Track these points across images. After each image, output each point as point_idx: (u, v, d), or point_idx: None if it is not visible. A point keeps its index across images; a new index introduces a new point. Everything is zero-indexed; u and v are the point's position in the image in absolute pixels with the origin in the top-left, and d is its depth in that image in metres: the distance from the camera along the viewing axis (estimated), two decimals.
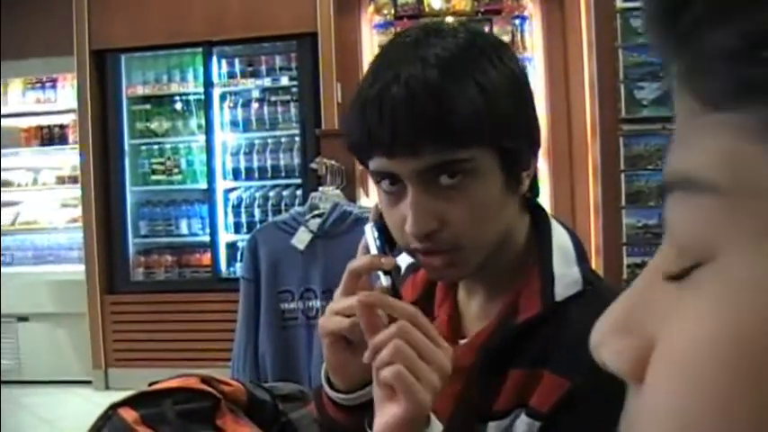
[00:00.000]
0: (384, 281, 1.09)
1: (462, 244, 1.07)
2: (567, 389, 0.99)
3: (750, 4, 0.33)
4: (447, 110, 1.01)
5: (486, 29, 6.06)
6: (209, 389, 1.28)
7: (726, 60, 0.34)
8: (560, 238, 1.16)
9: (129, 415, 1.23)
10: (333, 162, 3.79)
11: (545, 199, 5.93)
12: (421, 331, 1.00)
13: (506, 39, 6.04)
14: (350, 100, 1.13)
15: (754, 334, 0.31)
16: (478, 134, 1.03)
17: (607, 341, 0.39)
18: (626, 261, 4.47)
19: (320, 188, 3.22)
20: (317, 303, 2.92)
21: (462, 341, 1.17)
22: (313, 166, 3.81)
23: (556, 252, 1.13)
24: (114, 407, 1.24)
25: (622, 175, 4.47)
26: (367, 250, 1.14)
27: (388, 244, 1.15)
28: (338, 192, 3.23)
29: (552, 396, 1.00)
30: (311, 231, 2.92)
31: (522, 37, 6.11)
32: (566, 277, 1.09)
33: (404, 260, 1.32)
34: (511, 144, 1.06)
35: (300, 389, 1.43)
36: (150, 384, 1.34)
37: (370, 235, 1.14)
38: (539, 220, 1.18)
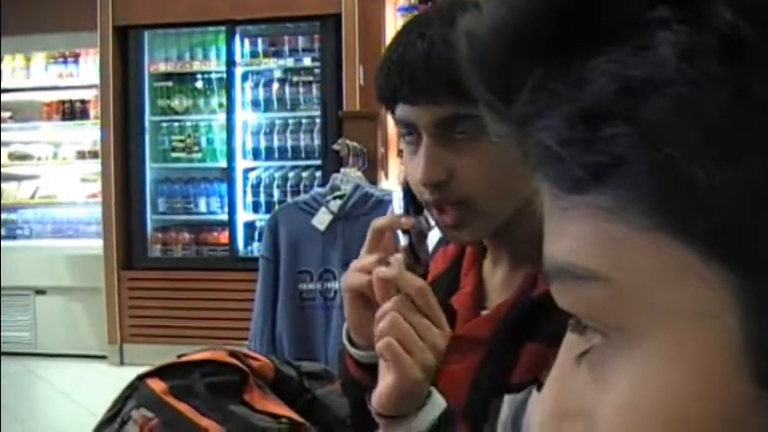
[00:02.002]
0: (402, 240, 1.12)
1: (470, 199, 1.06)
2: None
3: (574, 83, 0.33)
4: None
5: None
6: (238, 363, 1.28)
7: (566, 147, 0.34)
8: None
9: (157, 386, 1.22)
10: (355, 144, 3.78)
11: None
12: (423, 307, 1.04)
13: None
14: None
15: (664, 417, 0.34)
16: None
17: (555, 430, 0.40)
18: None
19: (342, 169, 3.20)
20: (335, 284, 2.92)
21: (484, 312, 1.17)
22: (335, 147, 3.80)
23: None
24: (142, 377, 1.22)
25: None
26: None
27: (415, 208, 1.16)
28: (359, 174, 3.21)
29: None
30: (332, 212, 2.91)
31: None
32: None
33: (436, 234, 1.34)
34: None
35: (325, 368, 1.43)
36: (179, 357, 1.34)
37: (396, 195, 1.16)
38: None
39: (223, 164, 6.61)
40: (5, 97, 7.37)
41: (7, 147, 7.51)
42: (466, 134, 1.04)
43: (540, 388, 0.98)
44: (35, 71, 7.36)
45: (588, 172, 0.33)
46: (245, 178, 6.58)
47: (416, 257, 1.12)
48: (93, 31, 6.54)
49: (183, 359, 1.28)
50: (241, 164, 6.57)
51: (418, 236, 1.16)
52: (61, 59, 7.30)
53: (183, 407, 1.18)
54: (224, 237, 6.62)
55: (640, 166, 0.32)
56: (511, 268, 1.16)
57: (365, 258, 1.14)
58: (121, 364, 6.55)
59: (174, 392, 1.21)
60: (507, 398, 1.04)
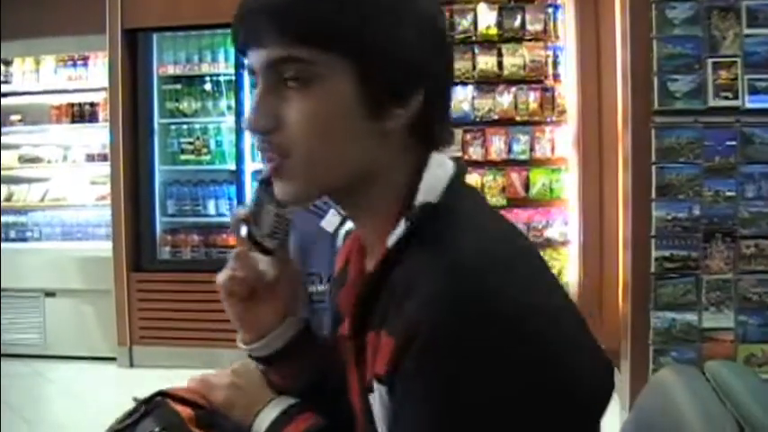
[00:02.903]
0: (242, 231, 1.19)
1: (291, 151, 1.02)
2: (393, 349, 0.93)
3: None
4: (295, 2, 0.99)
5: (519, 17, 6.02)
6: None
7: None
8: (436, 171, 1.06)
9: (182, 410, 1.16)
10: None
11: (573, 189, 5.91)
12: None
13: (538, 27, 6.01)
14: None
15: None
16: (326, 37, 0.98)
17: None
18: (654, 254, 4.43)
19: None
20: None
21: None
22: None
23: (423, 187, 1.04)
24: (163, 394, 1.14)
25: (653, 168, 4.43)
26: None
27: (276, 200, 1.16)
28: None
29: (385, 357, 0.95)
30: (341, 214, 2.91)
31: (554, 26, 6.06)
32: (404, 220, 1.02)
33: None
34: (371, 65, 1.00)
35: None
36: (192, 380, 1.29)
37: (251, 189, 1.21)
38: (423, 162, 1.08)
39: (232, 166, 6.62)
40: (15, 100, 7.41)
41: (17, 149, 7.54)
42: (296, 81, 1.00)
43: (376, 377, 0.97)
44: (44, 74, 7.38)
45: None
46: (254, 180, 6.59)
47: (259, 244, 1.18)
48: (102, 34, 6.56)
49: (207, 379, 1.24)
50: (250, 166, 6.58)
51: (277, 224, 1.19)
52: (70, 62, 7.31)
53: None
54: (233, 239, 6.62)
55: None
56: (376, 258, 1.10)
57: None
58: (131, 365, 6.56)
59: (200, 422, 1.16)
60: (371, 395, 1.02)
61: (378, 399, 0.99)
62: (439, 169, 1.06)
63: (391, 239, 1.01)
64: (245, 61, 1.07)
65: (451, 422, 0.86)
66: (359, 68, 1.00)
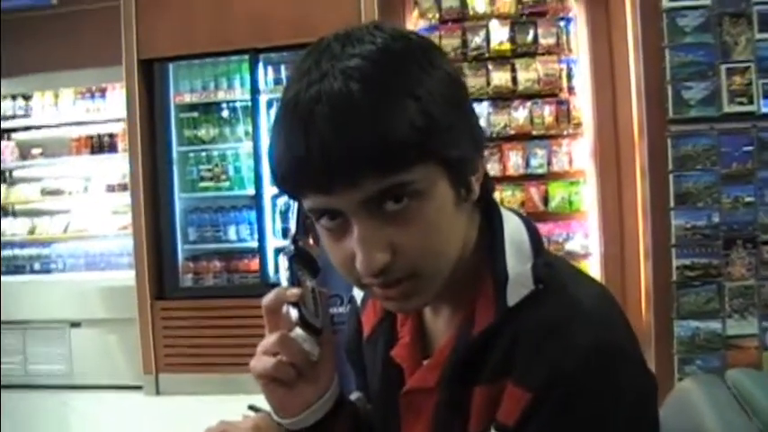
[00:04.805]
0: (293, 314, 1.09)
1: (420, 271, 0.98)
2: (529, 400, 0.94)
3: None
4: (383, 131, 0.89)
5: (531, 31, 6.04)
6: None
7: None
8: (514, 231, 1.08)
9: None
10: None
11: (592, 201, 5.90)
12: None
13: (551, 41, 6.02)
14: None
15: None
16: (421, 151, 0.92)
17: None
18: (675, 263, 4.42)
19: None
20: None
21: (426, 361, 1.13)
22: None
23: (509, 248, 1.05)
24: None
25: (670, 176, 4.43)
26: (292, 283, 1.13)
27: (308, 269, 1.14)
28: None
29: (517, 409, 0.95)
30: None
31: (567, 39, 6.06)
32: (520, 277, 1.02)
33: None
34: (456, 153, 0.97)
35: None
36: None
37: (281, 266, 1.13)
38: (490, 217, 1.10)
39: (251, 191, 6.66)
40: (36, 134, 7.50)
41: (39, 182, 7.63)
42: (399, 204, 0.94)
43: (496, 426, 0.98)
44: (63, 107, 7.46)
45: None
46: (274, 205, 6.61)
47: (311, 326, 1.10)
48: (119, 66, 6.63)
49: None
50: (269, 190, 6.60)
51: (315, 298, 1.14)
52: (88, 95, 7.40)
53: None
54: (254, 264, 6.65)
55: None
56: (452, 311, 1.12)
57: (266, 340, 1.13)
58: (157, 393, 6.59)
59: None
60: None
61: None
62: (509, 222, 1.10)
63: (513, 299, 1.02)
64: (308, 204, 0.98)
65: None
66: (448, 164, 0.97)
